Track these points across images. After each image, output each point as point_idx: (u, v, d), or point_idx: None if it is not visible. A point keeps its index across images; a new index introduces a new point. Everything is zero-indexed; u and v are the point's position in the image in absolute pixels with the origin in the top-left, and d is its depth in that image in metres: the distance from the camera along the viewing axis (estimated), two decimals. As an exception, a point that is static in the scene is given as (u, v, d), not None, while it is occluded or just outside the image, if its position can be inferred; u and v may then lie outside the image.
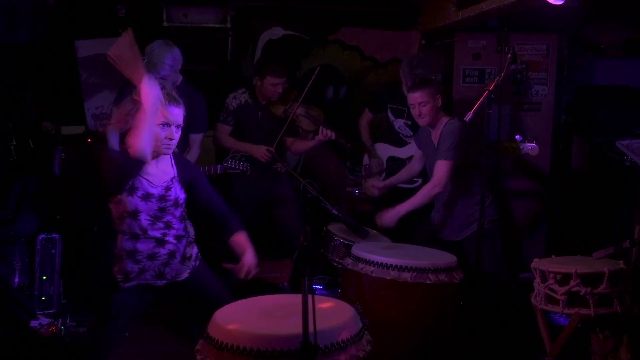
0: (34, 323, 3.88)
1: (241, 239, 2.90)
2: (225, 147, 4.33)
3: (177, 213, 2.85)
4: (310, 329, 1.94)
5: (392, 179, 4.17)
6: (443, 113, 3.80)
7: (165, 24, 4.76)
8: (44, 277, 4.20)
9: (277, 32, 5.12)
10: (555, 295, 3.10)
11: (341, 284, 3.45)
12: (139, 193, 2.73)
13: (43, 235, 4.20)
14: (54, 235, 4.23)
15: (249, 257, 2.85)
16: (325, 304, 2.45)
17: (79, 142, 4.47)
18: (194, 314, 3.03)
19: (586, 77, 5.37)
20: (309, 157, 4.79)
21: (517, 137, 3.89)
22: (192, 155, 4.05)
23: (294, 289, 4.46)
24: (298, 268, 1.95)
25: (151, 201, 2.76)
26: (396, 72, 5.19)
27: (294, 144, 4.41)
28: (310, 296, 1.94)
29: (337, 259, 3.50)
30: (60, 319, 3.96)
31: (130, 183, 2.71)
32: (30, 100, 4.87)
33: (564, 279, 3.07)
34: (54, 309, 4.19)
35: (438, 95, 3.73)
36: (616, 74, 5.36)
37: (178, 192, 2.85)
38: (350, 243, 3.44)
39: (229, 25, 4.82)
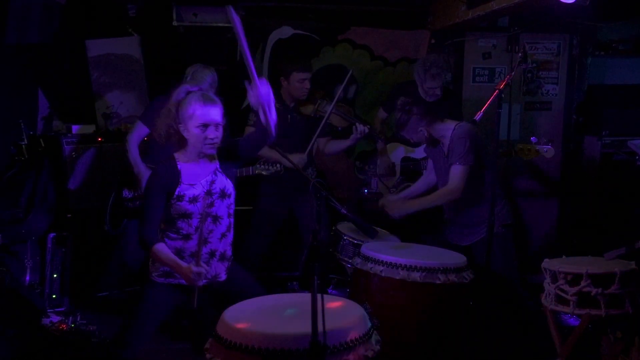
0: (44, 321, 3.91)
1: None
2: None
3: (225, 204, 2.92)
4: (320, 328, 1.95)
5: (408, 192, 4.04)
6: (448, 119, 3.78)
7: (175, 23, 4.77)
8: (55, 275, 4.23)
9: (286, 31, 5.12)
10: (565, 295, 3.08)
11: (350, 284, 3.44)
12: (186, 199, 2.82)
13: (54, 234, 4.22)
14: (64, 233, 4.26)
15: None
16: (334, 304, 2.45)
17: (89, 141, 4.49)
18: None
19: (597, 77, 5.33)
20: (318, 156, 4.78)
21: (533, 138, 3.87)
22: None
23: (303, 287, 4.47)
24: (308, 267, 1.95)
25: (199, 201, 2.83)
26: (406, 71, 5.19)
27: (327, 144, 4.39)
28: (319, 296, 1.94)
29: (346, 258, 3.50)
30: (70, 317, 3.98)
31: (175, 194, 2.80)
32: (42, 99, 4.90)
33: (575, 279, 3.05)
34: (65, 307, 4.22)
35: (422, 123, 3.67)
36: (628, 73, 5.32)
37: (224, 182, 2.92)
38: (359, 242, 3.43)
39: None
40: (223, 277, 2.98)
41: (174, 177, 2.82)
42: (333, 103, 4.17)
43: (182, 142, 2.86)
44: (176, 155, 2.89)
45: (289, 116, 4.23)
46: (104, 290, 4.47)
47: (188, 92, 2.84)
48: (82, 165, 4.38)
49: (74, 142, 4.40)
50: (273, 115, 2.76)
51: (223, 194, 2.92)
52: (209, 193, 2.86)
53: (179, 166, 2.86)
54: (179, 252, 2.87)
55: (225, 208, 2.94)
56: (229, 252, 3.01)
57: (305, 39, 5.14)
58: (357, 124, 4.15)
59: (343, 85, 4.22)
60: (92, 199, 4.42)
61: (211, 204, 2.87)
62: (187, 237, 2.87)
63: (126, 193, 4.19)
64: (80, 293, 4.36)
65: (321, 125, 4.17)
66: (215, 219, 2.90)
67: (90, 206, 4.42)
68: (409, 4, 5.11)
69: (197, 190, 2.84)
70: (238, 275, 3.06)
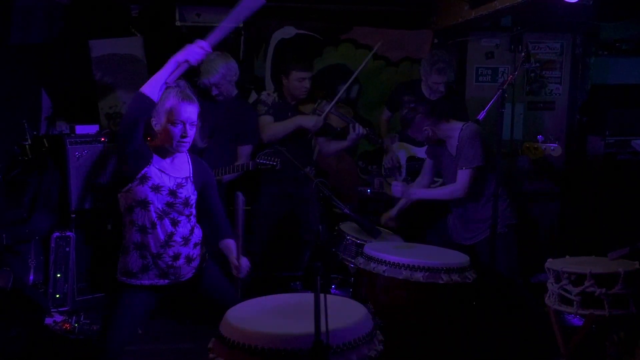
0: (48, 320, 3.92)
1: (231, 244, 2.95)
2: (274, 134, 4.18)
3: (186, 212, 2.86)
4: (323, 328, 1.94)
5: (401, 203, 4.02)
6: (453, 120, 3.77)
7: (177, 23, 4.78)
8: (58, 275, 4.24)
9: (289, 31, 5.12)
10: (569, 296, 3.07)
11: (353, 283, 3.44)
12: (150, 183, 2.74)
13: (57, 234, 4.23)
14: (68, 233, 4.27)
15: (244, 260, 2.90)
16: (337, 303, 2.45)
17: (92, 141, 4.49)
18: (207, 312, 3.06)
19: (601, 76, 5.32)
20: (321, 156, 4.79)
21: (539, 137, 3.86)
22: None
23: (306, 287, 4.47)
24: (311, 267, 1.95)
25: (161, 193, 2.76)
26: (408, 71, 5.19)
27: (325, 145, 4.40)
28: (322, 295, 1.94)
29: (349, 258, 3.50)
30: (74, 317, 3.99)
31: (142, 171, 2.73)
32: (45, 99, 4.91)
33: (578, 279, 3.04)
34: (68, 307, 4.23)
35: (427, 122, 3.68)
36: (631, 73, 5.31)
37: (190, 192, 2.86)
38: (362, 242, 3.43)
39: (241, 25, 4.82)
40: (188, 276, 2.93)
41: (146, 154, 2.74)
42: (332, 103, 4.18)
43: (148, 134, 2.80)
44: (149, 143, 2.82)
45: (289, 113, 4.24)
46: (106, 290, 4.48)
47: (167, 87, 2.74)
48: (85, 165, 4.39)
49: (78, 142, 4.40)
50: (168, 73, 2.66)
51: (186, 203, 2.85)
52: (173, 193, 2.79)
53: (152, 150, 2.78)
54: (140, 247, 2.80)
55: (185, 215, 2.86)
56: (195, 255, 2.93)
57: (308, 39, 5.14)
58: (355, 125, 4.16)
59: (346, 86, 4.23)
60: (96, 199, 4.43)
61: (171, 205, 2.79)
62: (143, 229, 2.78)
63: None
64: (83, 292, 4.37)
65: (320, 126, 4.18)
66: (175, 222, 2.83)
67: (94, 206, 4.42)
68: (412, 4, 5.11)
69: (164, 181, 2.77)
70: (208, 279, 3.00)
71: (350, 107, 4.54)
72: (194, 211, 2.92)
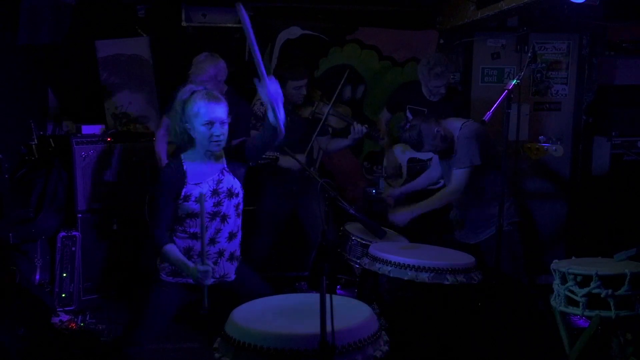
0: (54, 320, 3.94)
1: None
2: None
3: (233, 203, 2.93)
4: (328, 328, 1.95)
5: (409, 186, 4.12)
6: (452, 118, 3.76)
7: (184, 24, 4.79)
8: (64, 275, 4.26)
9: (295, 31, 5.12)
10: (575, 297, 3.06)
11: (358, 284, 3.44)
12: (193, 198, 2.84)
13: (63, 233, 4.25)
14: (74, 233, 4.28)
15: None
16: (342, 304, 2.45)
17: (99, 141, 4.51)
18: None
19: (607, 77, 5.30)
20: (326, 156, 4.79)
21: (541, 137, 3.85)
22: None
23: (312, 287, 4.47)
24: (317, 267, 1.95)
25: (206, 201, 2.84)
26: (414, 71, 5.17)
27: (329, 144, 4.41)
28: (328, 296, 1.94)
29: (354, 259, 3.50)
30: (80, 316, 4.01)
31: (182, 194, 2.83)
32: (52, 99, 4.93)
33: (585, 280, 3.03)
34: (74, 306, 4.24)
35: (432, 125, 3.66)
36: (638, 74, 5.28)
37: (231, 181, 2.93)
38: (367, 243, 3.43)
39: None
40: (232, 277, 2.99)
41: (180, 177, 2.85)
42: (330, 105, 4.18)
43: (191, 141, 2.88)
44: (183, 155, 2.91)
45: (287, 119, 4.23)
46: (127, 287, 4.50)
47: (193, 92, 2.86)
48: (91, 165, 4.41)
49: (84, 142, 4.42)
50: (281, 113, 2.76)
51: (230, 193, 2.93)
52: (215, 192, 2.88)
53: (185, 166, 2.88)
54: (188, 251, 2.89)
55: (233, 207, 2.95)
56: (237, 252, 3.02)
57: (314, 39, 5.14)
58: (354, 124, 4.16)
59: (339, 86, 4.22)
60: (102, 198, 4.44)
61: (219, 203, 2.88)
62: (194, 235, 2.89)
63: None
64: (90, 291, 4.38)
65: (318, 127, 4.18)
66: (224, 218, 2.91)
67: (100, 206, 4.44)
68: (418, 4, 5.10)
69: (204, 189, 2.86)
70: (246, 276, 3.08)
71: (348, 107, 4.53)
72: (241, 200, 2.98)
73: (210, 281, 2.78)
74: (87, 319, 3.96)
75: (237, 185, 2.96)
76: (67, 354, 3.53)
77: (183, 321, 3.98)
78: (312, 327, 2.07)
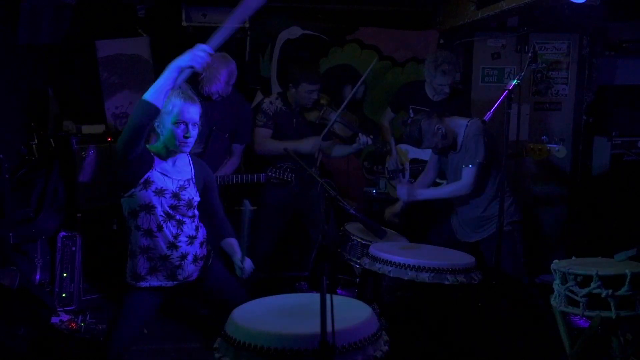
0: (54, 319, 3.94)
1: (234, 244, 3.01)
2: (268, 151, 4.22)
3: (190, 214, 2.88)
4: (328, 329, 1.95)
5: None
6: (456, 116, 3.76)
7: (184, 23, 4.78)
8: (65, 274, 4.26)
9: (295, 31, 5.12)
10: (575, 297, 3.06)
11: (359, 284, 3.45)
12: (153, 187, 2.76)
13: (64, 233, 4.25)
14: (74, 233, 4.28)
15: (248, 262, 2.94)
16: (343, 304, 2.45)
17: (99, 141, 4.51)
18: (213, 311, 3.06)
19: (607, 77, 5.30)
20: (327, 157, 4.79)
21: (544, 137, 3.85)
22: (233, 163, 4.14)
23: (312, 287, 4.47)
24: (317, 267, 1.96)
25: (164, 197, 2.78)
26: (414, 71, 5.18)
27: (332, 148, 4.41)
28: (328, 296, 1.94)
29: (354, 259, 3.50)
30: (80, 316, 4.01)
31: (145, 176, 2.74)
32: (52, 99, 4.93)
33: (585, 280, 3.03)
34: (74, 306, 4.24)
35: (433, 122, 3.66)
36: (638, 74, 5.28)
37: (193, 194, 2.88)
38: (367, 243, 3.43)
39: (247, 25, 4.83)
40: (194, 276, 2.95)
41: (147, 160, 2.75)
42: (338, 113, 4.17)
43: (151, 137, 2.82)
44: (148, 146, 2.83)
45: (294, 120, 4.24)
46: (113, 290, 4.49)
47: None
48: (92, 165, 4.41)
49: (84, 142, 4.42)
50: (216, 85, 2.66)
51: (190, 205, 2.87)
52: (176, 196, 2.81)
53: (152, 153, 2.80)
54: (147, 250, 2.82)
55: (189, 216, 2.88)
56: (201, 254, 2.96)
57: (314, 39, 5.14)
58: (360, 135, 4.16)
59: (350, 95, 4.22)
60: (102, 198, 4.44)
61: (175, 207, 2.81)
62: (149, 233, 2.80)
63: None
64: (90, 291, 4.39)
65: (323, 133, 4.18)
66: (180, 223, 2.84)
67: (100, 206, 4.44)
68: (418, 4, 5.10)
69: (167, 185, 2.78)
70: (214, 278, 3.01)
71: (355, 115, 4.52)
72: (197, 212, 2.94)
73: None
74: (88, 318, 3.96)
75: (196, 199, 2.90)
76: (67, 354, 3.53)
77: (183, 321, 3.99)
78: (312, 327, 2.07)
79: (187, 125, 2.76)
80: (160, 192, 2.77)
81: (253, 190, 4.18)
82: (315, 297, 2.07)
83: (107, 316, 4.06)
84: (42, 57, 4.72)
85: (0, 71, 4.35)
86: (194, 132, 2.79)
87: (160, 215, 2.79)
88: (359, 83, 4.22)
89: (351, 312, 2.36)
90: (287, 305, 2.48)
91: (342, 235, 3.63)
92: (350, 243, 3.54)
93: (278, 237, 4.40)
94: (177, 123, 2.74)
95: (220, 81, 3.86)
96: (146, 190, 2.75)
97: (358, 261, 3.43)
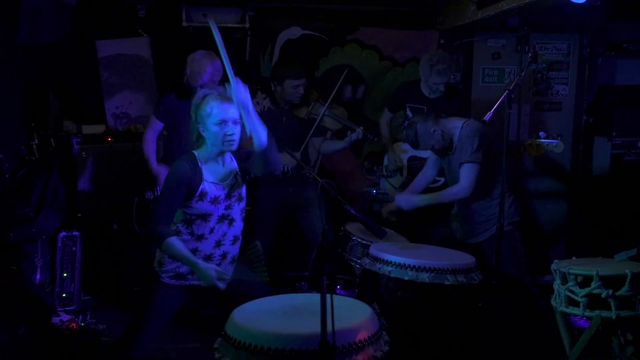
0: (55, 319, 3.93)
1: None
2: None
3: (240, 207, 2.96)
4: (329, 329, 1.95)
5: (409, 189, 4.05)
6: (452, 117, 3.76)
7: (184, 24, 4.79)
8: (65, 274, 4.26)
9: (295, 31, 5.12)
10: (575, 297, 3.06)
11: (359, 284, 3.44)
12: (208, 198, 2.84)
13: (64, 233, 4.25)
14: (74, 232, 4.28)
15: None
16: (343, 304, 2.45)
17: (99, 141, 4.52)
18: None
19: (608, 77, 5.29)
20: (327, 157, 4.79)
21: (541, 133, 3.86)
22: None
23: (312, 287, 4.47)
24: (317, 268, 1.96)
25: (220, 203, 2.86)
26: (415, 71, 5.17)
27: (322, 145, 4.42)
28: (328, 296, 1.94)
29: (354, 259, 3.49)
30: (80, 316, 4.01)
31: (199, 191, 2.81)
32: (52, 99, 4.94)
33: (585, 280, 3.03)
34: (75, 306, 4.24)
35: (430, 124, 3.66)
36: (638, 74, 5.28)
37: (240, 186, 2.95)
38: (367, 243, 3.43)
39: (247, 25, 4.84)
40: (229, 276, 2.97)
41: (196, 173, 2.83)
42: (326, 106, 4.18)
43: (200, 141, 2.89)
44: (196, 153, 2.89)
45: (283, 118, 4.24)
46: (126, 288, 4.50)
47: (205, 95, 2.88)
48: (92, 165, 4.41)
49: (84, 142, 4.42)
50: (253, 117, 2.73)
51: (240, 198, 2.96)
52: (228, 196, 2.90)
53: (200, 164, 2.87)
54: (194, 252, 2.87)
55: (239, 211, 2.97)
56: (237, 254, 3.03)
57: (314, 39, 5.14)
58: (350, 128, 4.15)
59: (336, 88, 4.22)
60: (102, 198, 4.44)
61: (229, 206, 2.90)
62: (200, 237, 2.88)
63: (149, 194, 4.22)
64: (89, 292, 4.38)
65: (313, 128, 4.18)
66: (231, 222, 2.93)
67: (100, 206, 4.44)
68: (418, 4, 5.10)
69: (219, 192, 2.86)
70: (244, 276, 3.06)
71: (344, 108, 4.52)
72: (245, 204, 3.00)
73: (223, 285, 2.76)
74: (88, 318, 3.96)
75: (244, 190, 2.99)
76: (67, 354, 3.53)
77: (183, 321, 3.99)
78: (312, 327, 2.07)
79: (228, 123, 2.82)
80: (215, 201, 2.85)
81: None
82: (315, 297, 2.07)
83: (107, 316, 4.06)
84: (42, 57, 4.72)
85: (0, 71, 4.36)
86: (236, 130, 2.85)
87: (215, 220, 2.87)
88: (343, 75, 4.21)
89: (351, 312, 2.36)
90: (287, 305, 2.48)
91: (343, 235, 3.62)
92: (350, 243, 3.53)
93: (278, 238, 4.39)
94: (218, 123, 2.81)
95: (207, 72, 3.89)
96: (202, 202, 2.83)
97: (358, 261, 3.42)
